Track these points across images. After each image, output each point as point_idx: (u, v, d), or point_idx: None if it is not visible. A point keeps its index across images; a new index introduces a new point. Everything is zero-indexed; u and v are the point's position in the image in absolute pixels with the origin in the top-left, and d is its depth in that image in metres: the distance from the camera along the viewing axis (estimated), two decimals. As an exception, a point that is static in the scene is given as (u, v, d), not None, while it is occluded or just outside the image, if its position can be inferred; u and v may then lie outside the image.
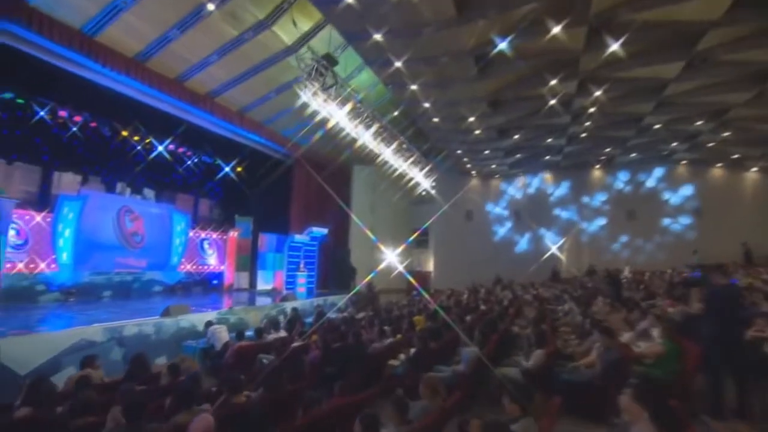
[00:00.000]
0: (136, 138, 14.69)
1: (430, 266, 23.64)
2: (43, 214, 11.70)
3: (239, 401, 3.72)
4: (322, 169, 18.39)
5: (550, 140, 15.59)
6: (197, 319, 9.43)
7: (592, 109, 12.04)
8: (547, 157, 18.39)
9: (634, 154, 17.19)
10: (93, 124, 13.50)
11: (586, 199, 20.05)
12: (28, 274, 11.21)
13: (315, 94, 8.83)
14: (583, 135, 14.56)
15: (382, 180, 21.75)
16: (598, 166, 19.42)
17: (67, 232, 12.04)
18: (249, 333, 8.20)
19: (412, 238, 22.62)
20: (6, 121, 12.07)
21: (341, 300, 16.33)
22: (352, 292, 17.68)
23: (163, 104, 12.44)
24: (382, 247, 21.07)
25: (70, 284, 11.91)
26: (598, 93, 10.87)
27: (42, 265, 11.46)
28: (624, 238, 19.13)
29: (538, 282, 17.78)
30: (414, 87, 11.43)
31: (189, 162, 17.15)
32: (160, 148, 15.40)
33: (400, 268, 22.73)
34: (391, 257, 22.05)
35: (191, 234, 16.30)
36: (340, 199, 19.37)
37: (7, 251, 10.81)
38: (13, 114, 12.16)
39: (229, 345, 7.15)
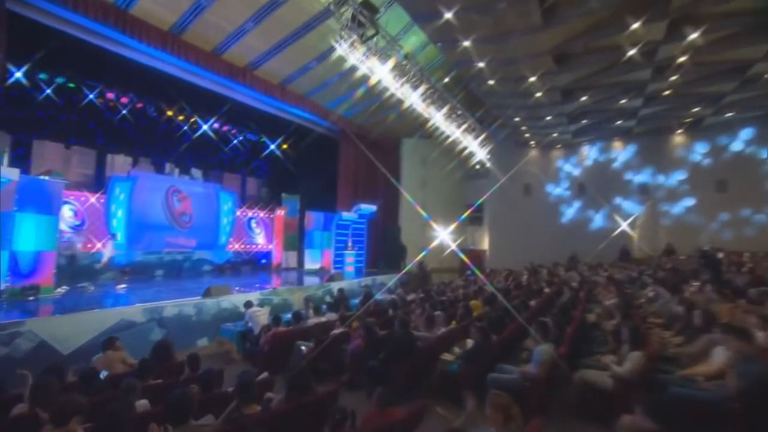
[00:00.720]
0: (181, 117, 14.65)
1: (484, 244, 22.32)
2: (97, 195, 11.89)
3: (252, 411, 3.02)
4: (369, 143, 17.55)
5: (623, 101, 13.60)
6: (239, 300, 9.07)
7: (682, 59, 10.09)
8: (618, 123, 16.25)
9: (730, 114, 14.65)
10: (139, 105, 13.54)
11: (662, 170, 17.65)
12: (87, 253, 11.48)
13: (353, 46, 7.83)
14: (666, 93, 12.46)
15: (434, 153, 20.62)
16: (680, 131, 16.92)
17: (120, 213, 12.19)
18: (289, 316, 7.67)
19: (465, 214, 21.37)
20: (63, 107, 12.34)
21: (391, 280, 15.65)
22: (402, 272, 16.98)
23: (204, 81, 12.11)
24: (434, 225, 20.08)
25: (124, 263, 12.12)
26: (693, 36, 8.98)
27: (98, 245, 11.69)
28: (711, 213, 16.65)
29: (606, 262, 16.01)
30: (466, 43, 10.14)
31: (235, 141, 17.01)
32: (205, 127, 15.29)
33: (453, 246, 21.63)
34: (444, 235, 21.00)
35: (238, 213, 16.21)
36: (389, 174, 18.51)
37: (66, 232, 11.14)
38: (69, 100, 12.40)
39: (265, 330, 6.61)
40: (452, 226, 21.27)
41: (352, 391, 5.37)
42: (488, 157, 17.93)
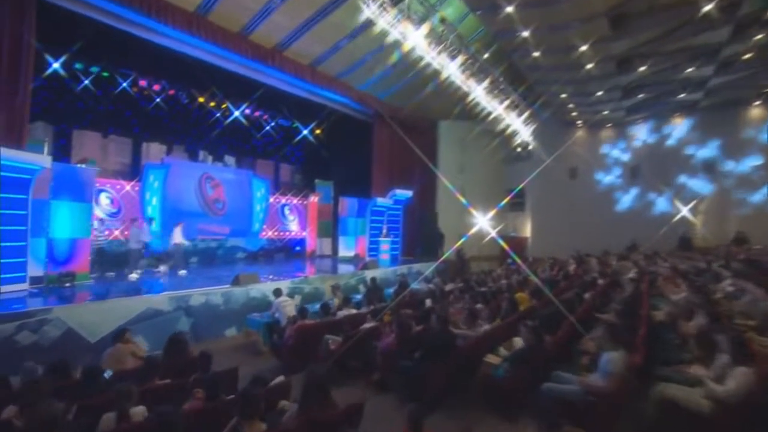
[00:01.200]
0: (212, 104, 14.51)
1: (526, 231, 21.16)
2: (132, 183, 11.93)
3: (255, 430, 2.51)
4: (404, 127, 16.82)
5: (690, 70, 12.09)
6: (268, 288, 8.75)
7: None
8: (681, 96, 14.61)
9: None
10: (171, 92, 13.47)
11: (732, 149, 15.78)
12: (124, 241, 11.58)
13: (383, 8, 7.08)
14: (747, 56, 10.87)
15: (472, 135, 19.62)
16: (758, 103, 14.99)
17: (155, 200, 12.21)
18: (317, 308, 7.23)
19: (506, 200, 20.27)
20: (100, 97, 12.43)
21: (427, 269, 15.01)
22: (439, 260, 16.30)
23: (233, 64, 11.80)
24: (473, 211, 19.15)
25: (160, 250, 12.16)
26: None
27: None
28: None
29: (663, 251, 14.57)
30: (509, 9, 9.16)
31: (267, 127, 16.76)
32: (236, 113, 15.10)
33: (493, 233, 20.61)
34: (483, 221, 20.03)
35: (271, 200, 16.01)
36: (425, 158, 17.74)
37: (104, 219, 11.26)
38: (105, 90, 12.47)
39: (292, 321, 6.17)
40: (491, 213, 20.26)
41: (383, 393, 4.84)
42: (531, 138, 16.80)
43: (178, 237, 11.00)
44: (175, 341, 4.45)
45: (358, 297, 9.18)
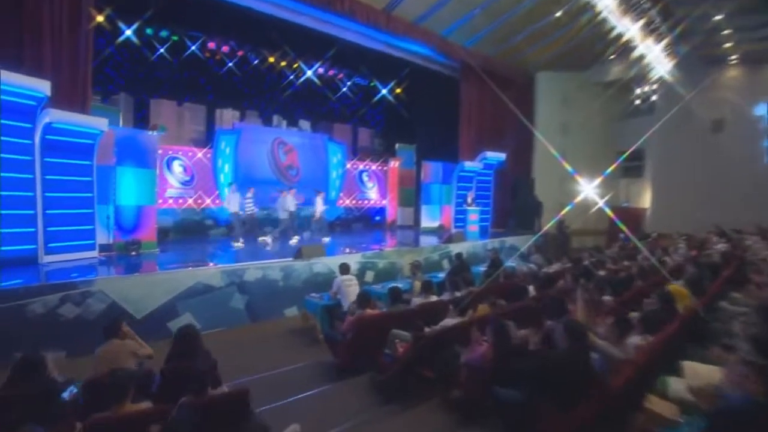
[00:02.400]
0: (283, 63, 13.58)
1: (644, 201, 17.57)
2: (204, 150, 11.55)
3: None
4: (496, 80, 14.47)
5: None
6: (336, 263, 7.58)
7: None
8: None
9: None
10: (240, 53, 12.75)
11: None
12: (198, 209, 11.34)
13: None
14: None
15: (578, 88, 16.53)
16: None
17: (227, 167, 11.74)
18: (380, 289, 5.87)
19: (617, 163, 16.85)
20: (176, 65, 12.14)
21: (523, 243, 12.90)
22: (537, 234, 14.02)
23: (301, 17, 10.61)
24: (577, 177, 16.24)
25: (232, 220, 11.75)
26: None
27: (208, 201, 11.46)
28: None
29: None
30: None
31: (343, 87, 15.52)
32: (309, 73, 14.02)
33: (601, 203, 17.42)
34: (588, 189, 16.96)
35: (349, 166, 14.92)
36: (521, 116, 15.25)
37: (177, 188, 11.04)
38: (180, 57, 12.12)
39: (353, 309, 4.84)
40: (598, 179, 17.04)
41: (466, 427, 3.30)
42: (660, 83, 13.44)
43: (320, 205, 11.25)
44: (185, 335, 3.32)
45: (440, 276, 7.65)
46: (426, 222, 14.56)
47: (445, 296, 5.37)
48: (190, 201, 11.13)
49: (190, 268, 6.45)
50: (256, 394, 4.29)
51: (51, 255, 6.97)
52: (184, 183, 11.06)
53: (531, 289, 5.40)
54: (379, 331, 4.39)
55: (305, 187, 13.27)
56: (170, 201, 10.74)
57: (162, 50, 11.67)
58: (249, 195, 10.28)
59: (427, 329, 4.08)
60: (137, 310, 5.66)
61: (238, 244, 9.60)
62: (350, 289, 5.80)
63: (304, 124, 14.39)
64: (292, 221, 10.71)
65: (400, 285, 6.90)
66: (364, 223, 15.13)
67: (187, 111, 12.57)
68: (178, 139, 11.85)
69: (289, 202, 10.59)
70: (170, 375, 3.02)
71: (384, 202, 15.86)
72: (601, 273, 6.55)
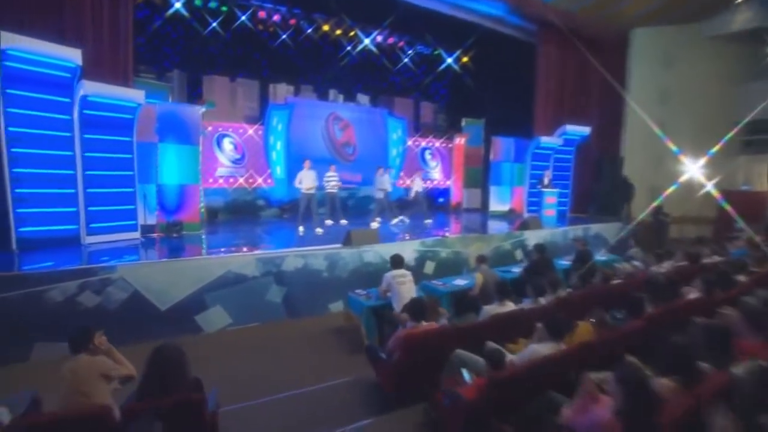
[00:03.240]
0: (338, 32, 12.52)
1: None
2: (255, 127, 10.92)
3: None
4: (581, 41, 12.37)
5: None
6: (390, 252, 6.49)
7: None
8: None
9: None
10: (292, 22, 11.87)
11: None
12: (249, 189, 10.81)
13: None
14: None
15: (684, 45, 13.76)
16: None
17: (279, 145, 11.05)
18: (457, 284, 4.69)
19: (732, 134, 13.89)
20: (229, 40, 11.62)
21: (609, 231, 10.98)
22: (626, 221, 11.95)
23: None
24: (680, 155, 13.62)
25: (286, 200, 11.11)
26: None
27: (259, 180, 10.88)
28: None
29: None
30: None
31: (404, 57, 14.20)
32: (367, 42, 12.86)
33: (709, 186, 14.54)
34: (694, 169, 14.17)
35: (410, 143, 13.67)
36: (612, 81, 12.99)
37: (227, 166, 10.55)
38: (233, 31, 11.57)
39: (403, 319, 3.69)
40: (705, 157, 14.16)
41: None
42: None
43: (418, 185, 10.79)
44: (162, 357, 2.39)
45: (514, 271, 6.28)
46: (495, 205, 13.00)
47: (526, 304, 4.05)
48: (241, 180, 10.61)
49: (222, 255, 5.71)
50: (276, 421, 3.52)
51: (92, 236, 6.64)
52: (235, 161, 10.53)
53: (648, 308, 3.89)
54: (437, 351, 3.23)
55: (362, 166, 12.31)
56: (220, 180, 10.27)
57: (214, 24, 11.16)
58: (331, 172, 9.35)
59: (508, 356, 2.86)
60: (161, 301, 5.01)
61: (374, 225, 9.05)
62: (403, 287, 4.68)
63: (363, 99, 13.37)
64: (387, 201, 10.02)
65: (465, 281, 5.74)
66: (426, 206, 13.87)
67: (240, 87, 12.03)
68: (231, 116, 11.33)
69: (386, 180, 9.86)
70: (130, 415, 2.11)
71: (448, 182, 14.46)
72: (741, 278, 4.83)
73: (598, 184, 13.77)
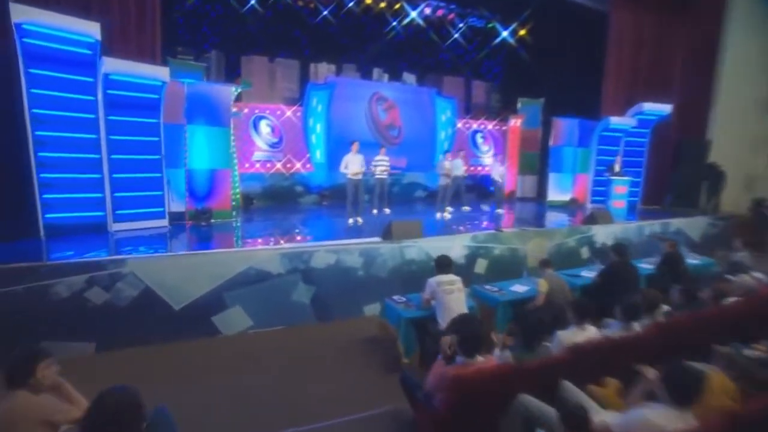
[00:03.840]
0: (383, 5, 11.56)
1: None
2: (293, 108, 10.30)
3: None
4: (662, 6, 10.63)
5: None
6: (437, 248, 5.64)
7: None
8: None
9: None
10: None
11: None
12: (287, 174, 10.26)
13: None
14: None
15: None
16: None
17: (318, 127, 10.38)
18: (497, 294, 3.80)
19: None
20: (269, 19, 11.05)
21: (692, 227, 9.43)
22: (715, 215, 10.28)
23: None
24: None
25: (326, 186, 10.47)
26: None
27: (298, 165, 10.30)
28: None
29: None
30: None
31: (455, 32, 13.00)
32: (413, 14, 11.81)
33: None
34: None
35: (460, 125, 12.56)
36: (696, 56, 11.17)
37: (264, 150, 10.03)
38: (272, 8, 10.99)
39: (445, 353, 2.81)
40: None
41: None
42: None
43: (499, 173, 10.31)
44: (104, 411, 1.70)
45: (584, 276, 5.21)
46: (554, 194, 11.66)
47: (614, 329, 3.05)
48: (278, 165, 10.07)
49: (242, 249, 5.10)
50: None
51: (119, 223, 6.29)
52: (272, 145, 9.99)
53: None
54: (495, 397, 2.36)
55: (408, 150, 11.42)
56: (257, 165, 9.78)
57: (253, 2, 10.60)
58: (381, 156, 8.58)
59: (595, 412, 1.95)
60: (175, 300, 4.48)
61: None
62: (451, 296, 3.81)
63: (409, 78, 12.41)
64: (458, 188, 9.30)
65: (525, 288, 4.77)
66: (477, 194, 12.75)
67: (279, 67, 11.42)
68: (270, 98, 10.78)
69: (457, 165, 9.12)
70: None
71: (501, 168, 13.19)
72: None
73: (676, 172, 11.99)
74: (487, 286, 4.86)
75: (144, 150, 6.54)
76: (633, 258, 6.34)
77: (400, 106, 11.40)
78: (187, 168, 7.14)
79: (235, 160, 7.93)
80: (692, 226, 9.55)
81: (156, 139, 6.62)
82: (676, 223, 9.39)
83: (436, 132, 12.07)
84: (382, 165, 8.47)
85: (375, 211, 8.61)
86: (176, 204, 7.00)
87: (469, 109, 13.66)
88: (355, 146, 7.63)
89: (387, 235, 5.70)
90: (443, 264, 4.15)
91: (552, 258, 5.59)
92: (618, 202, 10.43)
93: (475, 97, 14.45)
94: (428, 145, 11.96)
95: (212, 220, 7.04)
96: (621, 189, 10.42)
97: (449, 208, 9.12)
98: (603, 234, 7.62)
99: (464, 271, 5.66)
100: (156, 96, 6.46)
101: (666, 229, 8.92)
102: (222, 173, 7.35)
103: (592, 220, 7.96)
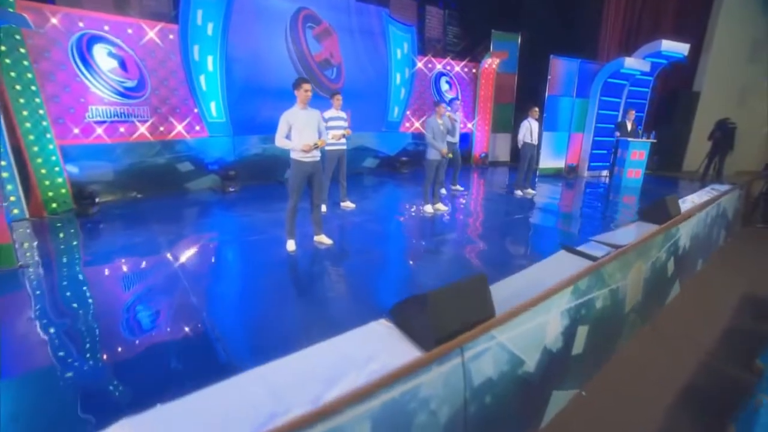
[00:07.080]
0: None
1: None
2: (160, 26, 5.83)
3: None
4: None
5: None
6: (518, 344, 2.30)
7: None
8: None
9: None
10: None
11: None
12: (157, 144, 6.00)
13: None
14: None
15: None
16: None
17: (210, 62, 6.12)
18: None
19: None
20: None
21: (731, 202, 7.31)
22: (719, 181, 8.34)
23: None
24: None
25: (229, 160, 6.45)
26: None
27: (179, 127, 6.03)
28: None
29: None
30: None
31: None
32: None
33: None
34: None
35: (419, 65, 9.05)
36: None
37: (112, 101, 5.59)
38: None
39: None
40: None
41: None
42: None
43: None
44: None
45: None
46: (544, 160, 8.96)
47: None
48: (142, 129, 5.73)
49: None
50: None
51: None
52: (126, 91, 5.56)
53: None
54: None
55: (352, 100, 7.65)
56: (99, 130, 5.35)
57: None
58: (334, 110, 5.07)
59: None
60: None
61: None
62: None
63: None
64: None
65: None
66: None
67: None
68: (116, 6, 6.11)
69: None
70: None
71: (470, 125, 10.10)
72: None
73: (668, 127, 10.01)
74: None
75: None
76: None
77: (340, 33, 7.47)
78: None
79: (45, 124, 3.67)
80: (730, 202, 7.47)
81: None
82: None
83: (390, 74, 8.42)
84: (338, 127, 4.85)
85: (325, 209, 5.05)
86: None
87: (424, 44, 10.09)
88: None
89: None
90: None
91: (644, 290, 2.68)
92: (634, 171, 8.06)
93: (429, 28, 10.84)
94: (380, 93, 8.33)
95: None
96: (639, 154, 7.99)
97: (459, 187, 6.48)
98: (684, 235, 4.99)
99: (558, 364, 2.51)
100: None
101: (717, 212, 6.65)
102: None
103: (665, 212, 5.23)
